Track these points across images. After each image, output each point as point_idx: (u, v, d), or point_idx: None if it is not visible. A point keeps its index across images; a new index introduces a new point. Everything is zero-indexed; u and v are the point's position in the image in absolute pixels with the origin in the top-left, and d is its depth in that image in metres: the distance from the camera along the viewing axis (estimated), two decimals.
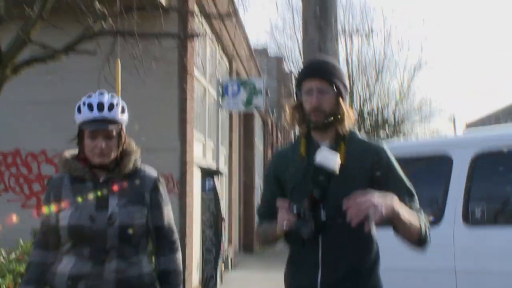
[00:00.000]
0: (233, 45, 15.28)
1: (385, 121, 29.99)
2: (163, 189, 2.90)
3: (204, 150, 13.03)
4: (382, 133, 30.09)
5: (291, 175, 2.67)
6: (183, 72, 10.02)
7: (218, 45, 14.27)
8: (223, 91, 13.31)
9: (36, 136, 8.92)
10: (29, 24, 6.69)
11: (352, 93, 28.20)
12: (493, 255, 4.55)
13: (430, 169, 5.20)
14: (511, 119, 49.71)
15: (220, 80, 13.53)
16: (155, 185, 2.86)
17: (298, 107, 2.70)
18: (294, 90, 2.78)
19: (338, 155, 2.39)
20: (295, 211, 2.36)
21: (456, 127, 43.72)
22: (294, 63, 29.24)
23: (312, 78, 2.62)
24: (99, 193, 2.75)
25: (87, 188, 2.75)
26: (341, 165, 2.44)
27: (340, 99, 2.64)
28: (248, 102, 13.09)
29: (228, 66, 15.83)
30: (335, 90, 2.62)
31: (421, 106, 32.20)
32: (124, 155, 2.82)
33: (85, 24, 7.44)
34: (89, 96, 2.79)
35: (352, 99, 28.02)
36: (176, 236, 2.93)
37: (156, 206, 2.84)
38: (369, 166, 2.58)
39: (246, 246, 19.53)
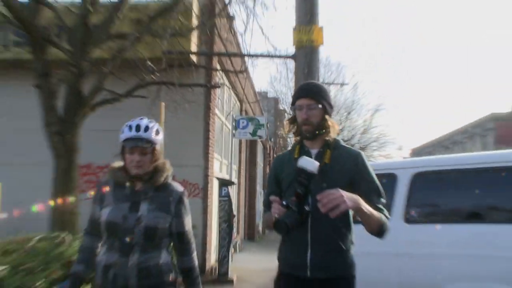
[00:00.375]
0: (243, 91, 15.24)
1: (352, 147, 29.61)
2: (186, 201, 2.68)
3: (221, 166, 12.98)
4: None
5: (286, 175, 2.51)
6: (207, 111, 10.07)
7: (232, 92, 14.30)
8: (236, 125, 13.22)
9: (102, 154, 8.92)
10: (102, 77, 6.79)
11: None
12: (424, 243, 4.46)
13: (383, 183, 5.07)
14: (446, 146, 49.17)
15: (234, 117, 13.51)
16: (180, 199, 2.63)
17: (293, 121, 2.57)
18: (291, 108, 2.62)
19: (318, 163, 2.25)
20: (284, 204, 2.22)
21: (403, 154, 43.27)
22: (287, 104, 29.14)
23: (303, 97, 2.48)
24: (133, 198, 2.56)
25: (125, 193, 2.57)
26: (327, 166, 2.36)
27: (326, 114, 2.50)
28: (254, 133, 13.03)
29: (239, 107, 15.84)
30: (321, 107, 2.47)
31: (378, 137, 31.96)
32: (157, 170, 2.59)
33: (140, 76, 7.58)
34: (132, 120, 2.62)
35: None
36: (193, 239, 2.73)
37: (179, 216, 2.62)
38: (349, 167, 2.42)
39: (249, 236, 19.41)
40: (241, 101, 15.76)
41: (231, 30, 10.86)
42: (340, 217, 2.26)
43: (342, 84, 28.62)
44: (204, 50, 9.59)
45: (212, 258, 10.88)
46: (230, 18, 9.87)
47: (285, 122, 2.62)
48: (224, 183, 10.60)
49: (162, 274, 2.53)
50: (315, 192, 2.24)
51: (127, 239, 2.48)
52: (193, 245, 2.71)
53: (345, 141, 23.51)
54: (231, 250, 10.28)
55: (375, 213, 2.33)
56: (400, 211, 4.62)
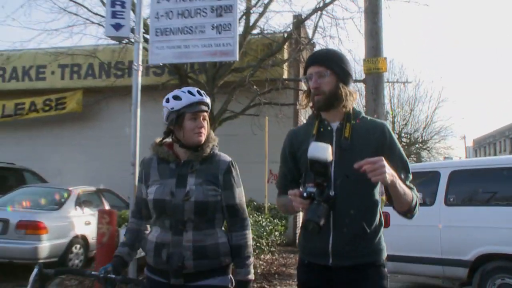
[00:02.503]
0: None
1: (415, 140, 28.99)
2: (235, 172, 2.12)
3: None
4: (413, 148, 28.91)
5: (304, 152, 1.89)
6: (296, 120, 10.95)
7: None
8: None
9: (225, 152, 10.09)
10: (227, 101, 8.10)
11: (394, 121, 26.46)
12: (459, 219, 5.13)
13: (431, 177, 5.53)
14: (508, 136, 45.82)
15: None
16: (228, 168, 2.09)
17: (308, 93, 2.01)
18: (304, 80, 2.04)
19: (330, 146, 1.76)
20: (305, 196, 1.75)
21: (466, 144, 41.01)
22: None
23: (312, 65, 1.96)
24: (179, 173, 2.07)
25: (171, 168, 2.08)
26: (348, 140, 1.90)
27: (340, 82, 1.94)
28: None
29: None
30: (333, 74, 1.93)
31: (439, 130, 30.95)
32: (205, 141, 2.10)
33: (250, 98, 8.74)
34: (180, 89, 2.10)
35: (394, 125, 26.19)
36: (246, 215, 2.15)
37: (228, 187, 2.08)
38: (374, 140, 1.91)
39: None
40: None
41: None
42: (365, 197, 1.92)
43: (405, 83, 27.14)
44: (293, 77, 10.54)
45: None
46: (312, 48, 10.94)
47: (301, 97, 2.05)
48: None
49: (219, 255, 2.05)
50: (337, 173, 1.87)
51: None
52: (246, 221, 2.13)
53: (409, 134, 22.32)
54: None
55: (408, 191, 1.89)
56: (442, 197, 5.33)
